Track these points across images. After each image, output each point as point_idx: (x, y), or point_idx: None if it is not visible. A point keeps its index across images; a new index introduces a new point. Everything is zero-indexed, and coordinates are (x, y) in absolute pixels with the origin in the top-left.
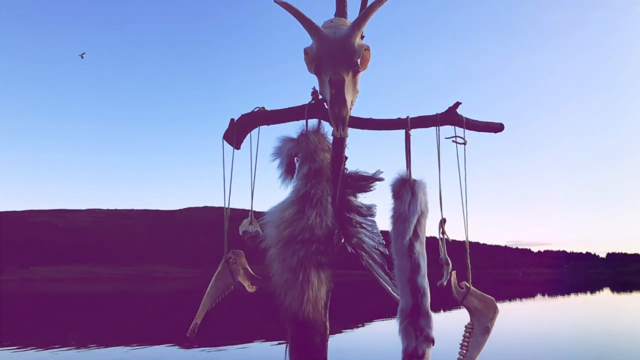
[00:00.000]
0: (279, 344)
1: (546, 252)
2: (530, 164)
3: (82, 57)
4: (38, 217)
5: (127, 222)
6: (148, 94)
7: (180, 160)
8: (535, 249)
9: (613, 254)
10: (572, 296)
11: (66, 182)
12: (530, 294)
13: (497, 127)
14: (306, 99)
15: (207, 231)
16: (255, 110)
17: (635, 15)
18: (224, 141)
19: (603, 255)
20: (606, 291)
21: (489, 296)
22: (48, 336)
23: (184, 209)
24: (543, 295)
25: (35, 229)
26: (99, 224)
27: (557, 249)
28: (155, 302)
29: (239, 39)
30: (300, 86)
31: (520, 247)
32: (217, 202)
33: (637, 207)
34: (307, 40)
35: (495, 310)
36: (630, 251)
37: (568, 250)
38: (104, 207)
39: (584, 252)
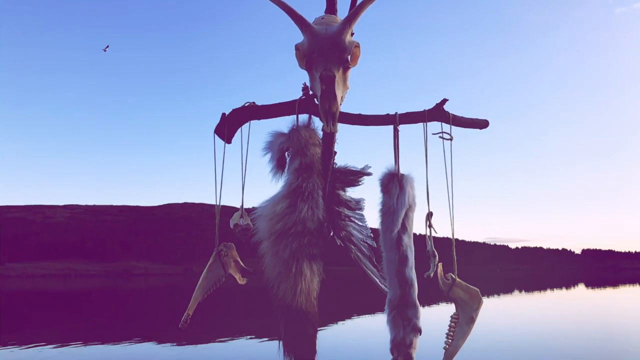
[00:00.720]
0: (261, 341)
1: (523, 248)
2: (509, 161)
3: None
4: (15, 212)
5: (106, 218)
6: (130, 92)
7: (160, 157)
8: (512, 246)
9: (588, 250)
10: (548, 292)
11: (44, 178)
12: (508, 290)
13: (482, 124)
14: (297, 94)
15: (186, 228)
16: (246, 105)
17: (616, 15)
18: (215, 135)
19: (578, 251)
20: (581, 287)
21: (474, 287)
22: (26, 334)
23: (164, 205)
24: (520, 291)
25: (11, 225)
26: (77, 220)
27: (534, 246)
28: (134, 299)
29: (229, 37)
30: (290, 82)
31: (498, 243)
32: (197, 198)
33: (612, 204)
34: (298, 37)
35: (479, 301)
36: (604, 247)
37: (544, 247)
38: (83, 203)
39: (560, 248)
